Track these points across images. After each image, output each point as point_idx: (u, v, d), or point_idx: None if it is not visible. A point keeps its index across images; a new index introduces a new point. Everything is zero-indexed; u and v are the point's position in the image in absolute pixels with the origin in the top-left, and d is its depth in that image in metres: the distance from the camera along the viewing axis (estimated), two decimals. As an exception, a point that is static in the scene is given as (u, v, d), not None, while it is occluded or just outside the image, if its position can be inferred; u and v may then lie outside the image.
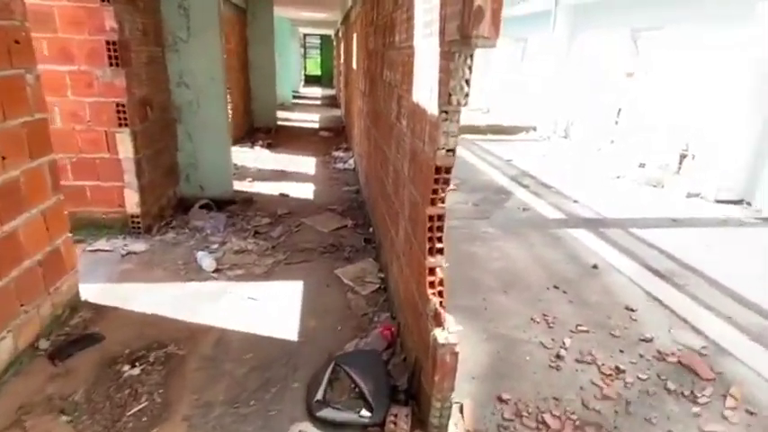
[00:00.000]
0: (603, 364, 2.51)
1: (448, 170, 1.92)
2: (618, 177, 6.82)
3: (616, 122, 8.55)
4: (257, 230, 4.07)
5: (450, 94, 1.70)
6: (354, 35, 6.87)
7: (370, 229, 4.20)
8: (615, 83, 8.57)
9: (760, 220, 5.11)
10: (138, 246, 3.64)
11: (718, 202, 5.63)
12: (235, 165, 6.42)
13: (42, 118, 2.48)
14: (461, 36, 1.51)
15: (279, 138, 9.02)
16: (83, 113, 3.56)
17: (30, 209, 2.39)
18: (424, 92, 2.06)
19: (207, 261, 3.31)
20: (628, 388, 2.34)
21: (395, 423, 1.95)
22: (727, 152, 5.65)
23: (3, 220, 2.18)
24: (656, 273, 3.68)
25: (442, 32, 1.75)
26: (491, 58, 14.21)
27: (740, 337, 2.85)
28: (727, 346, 2.75)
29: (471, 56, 1.63)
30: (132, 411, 2.01)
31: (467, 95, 1.71)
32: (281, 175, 6.22)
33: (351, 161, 6.95)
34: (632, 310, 3.09)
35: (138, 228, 3.83)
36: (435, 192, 1.96)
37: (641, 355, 2.61)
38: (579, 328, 2.85)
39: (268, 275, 3.31)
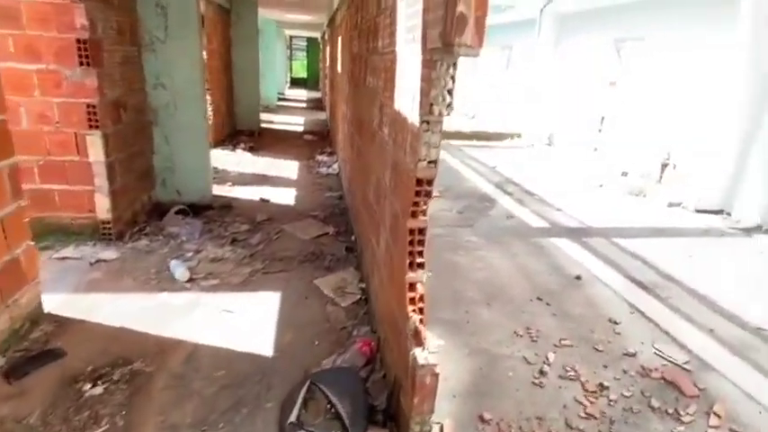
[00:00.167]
0: (587, 381, 2.45)
1: (430, 182, 1.84)
2: (601, 186, 6.85)
3: (599, 131, 8.64)
4: (235, 238, 3.94)
5: (431, 104, 1.63)
6: (339, 38, 6.79)
7: (353, 237, 4.10)
8: (598, 91, 8.66)
9: (739, 231, 5.16)
10: (109, 253, 3.48)
11: (699, 211, 5.69)
12: (215, 168, 6.28)
13: (1, 119, 2.33)
14: (443, 44, 1.43)
15: (262, 141, 8.87)
16: (51, 114, 3.40)
17: (-15, 216, 2.24)
18: (406, 100, 1.99)
19: (180, 270, 3.18)
20: (612, 406, 2.29)
21: (372, 447, 1.86)
22: (707, 162, 5.71)
23: (-47, 229, 2.04)
24: (639, 284, 3.66)
25: (424, 39, 1.68)
26: (477, 64, 14.28)
27: (722, 351, 2.83)
28: (710, 360, 2.72)
29: (454, 64, 1.56)
30: (91, 436, 1.88)
31: (449, 106, 1.64)
32: (262, 180, 6.08)
33: (335, 166, 6.85)
34: (616, 323, 3.06)
35: (110, 234, 3.68)
36: (416, 204, 1.88)
37: (625, 371, 2.56)
38: (563, 342, 2.79)
39: (244, 286, 3.19)
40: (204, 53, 7.11)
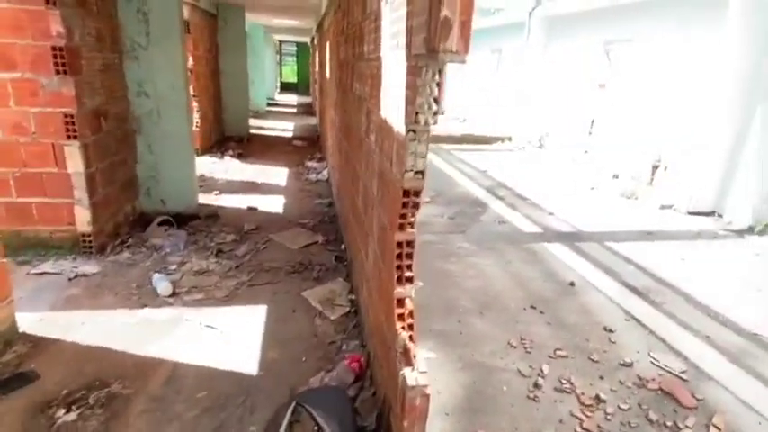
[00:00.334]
0: (583, 393, 2.38)
1: (417, 193, 1.76)
2: (592, 189, 6.83)
3: (590, 133, 8.63)
4: (221, 248, 3.84)
5: (417, 113, 1.55)
6: (328, 44, 6.72)
7: (342, 246, 4.02)
8: (588, 94, 8.67)
9: (731, 233, 5.14)
10: (89, 267, 3.36)
11: (691, 213, 5.67)
12: (202, 176, 6.18)
13: (-32, 132, 2.22)
14: (428, 50, 1.36)
15: (251, 147, 8.76)
16: (27, 125, 3.28)
17: (-49, 234, 2.12)
18: (392, 108, 1.91)
19: (162, 284, 3.07)
20: (608, 419, 2.22)
21: (360, 472, 1.77)
22: (698, 164, 5.70)
23: None
24: (633, 290, 3.61)
25: (409, 45, 1.60)
26: (467, 68, 14.28)
27: (719, 359, 2.77)
28: (708, 368, 2.67)
29: (440, 71, 1.49)
30: (62, 467, 1.77)
31: (435, 114, 1.57)
32: (250, 187, 5.97)
33: (324, 172, 6.76)
34: (611, 332, 3.00)
35: (90, 247, 3.56)
36: (404, 216, 1.80)
37: (621, 382, 2.50)
38: (557, 352, 2.72)
39: (229, 299, 3.09)
40: (190, 59, 7.05)
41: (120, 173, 4.04)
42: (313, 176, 6.68)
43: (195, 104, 7.34)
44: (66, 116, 3.29)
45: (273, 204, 5.27)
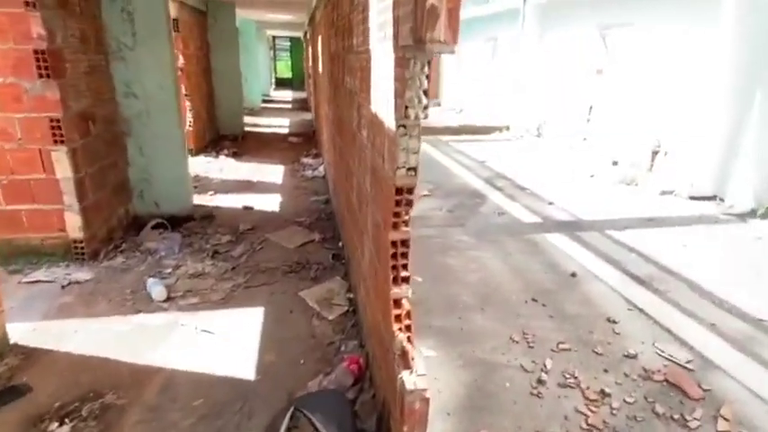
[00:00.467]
0: (588, 388, 2.33)
1: (410, 191, 1.70)
2: (592, 176, 6.75)
3: (588, 120, 8.54)
4: (216, 250, 3.78)
5: (406, 107, 1.48)
6: (319, 37, 6.62)
7: (340, 244, 3.96)
8: (586, 80, 8.56)
9: (733, 216, 5.08)
10: (82, 274, 3.31)
11: (692, 198, 5.61)
12: (197, 176, 6.11)
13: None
14: (415, 40, 1.29)
15: (246, 145, 8.68)
16: (12, 131, 3.21)
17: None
18: (382, 102, 1.84)
19: (157, 289, 3.01)
20: (614, 414, 2.17)
21: (361, 479, 1.72)
22: (698, 148, 5.63)
23: None
24: (636, 278, 3.55)
25: (396, 36, 1.53)
26: (462, 57, 14.14)
27: (725, 347, 2.72)
28: (714, 357, 2.62)
29: (429, 62, 1.42)
30: (55, 483, 1.73)
31: (426, 108, 1.50)
32: (245, 186, 5.91)
33: (321, 168, 6.69)
34: (614, 322, 2.94)
35: (83, 253, 3.50)
36: (398, 215, 1.74)
37: (626, 375, 2.45)
38: (560, 346, 2.67)
39: (225, 302, 3.03)
40: (181, 58, 6.95)
41: (111, 176, 3.97)
42: (309, 173, 6.61)
43: (188, 104, 7.26)
44: (51, 121, 3.22)
45: (269, 203, 5.21)
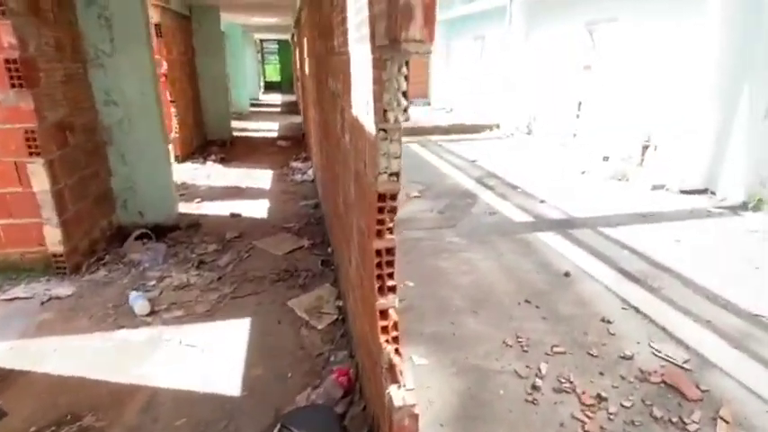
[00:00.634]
0: (584, 392, 2.28)
1: (393, 197, 1.62)
2: (583, 173, 6.72)
3: (577, 116, 8.52)
4: (202, 260, 3.69)
5: (385, 110, 1.42)
6: (305, 39, 6.53)
7: (329, 249, 3.88)
8: (574, 76, 8.54)
9: (725, 209, 5.06)
10: (63, 289, 3.21)
11: (683, 192, 5.59)
12: (184, 184, 6.01)
13: None
14: (390, 40, 1.22)
15: (234, 151, 8.57)
16: (-14, 143, 3.11)
17: None
18: (361, 105, 1.77)
19: (139, 303, 2.92)
20: (611, 420, 2.11)
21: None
22: (688, 142, 5.61)
23: None
24: (630, 276, 3.51)
25: (373, 36, 1.46)
26: (451, 57, 14.12)
27: (722, 345, 2.68)
28: (710, 356, 2.57)
29: (407, 63, 1.35)
30: None
31: (406, 110, 1.43)
32: (233, 193, 5.81)
33: (310, 172, 6.60)
34: (609, 322, 2.89)
35: (64, 268, 3.40)
36: (381, 222, 1.66)
37: (623, 377, 2.39)
38: (555, 349, 2.62)
39: (211, 314, 2.95)
40: (165, 64, 6.83)
41: (93, 187, 3.87)
42: (298, 177, 6.52)
43: (173, 110, 7.15)
44: (26, 132, 3.12)
45: (257, 209, 5.12)
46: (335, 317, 2.89)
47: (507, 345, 2.67)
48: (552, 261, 3.79)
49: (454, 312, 3.03)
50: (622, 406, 2.19)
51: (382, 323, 1.72)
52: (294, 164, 7.25)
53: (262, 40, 23.31)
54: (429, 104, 14.90)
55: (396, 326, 1.73)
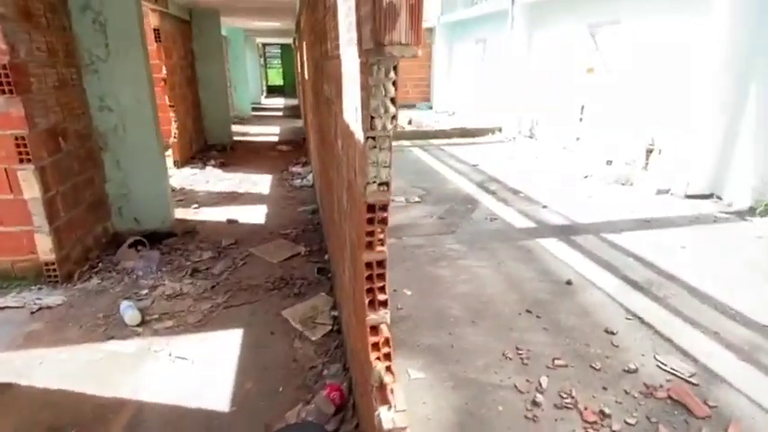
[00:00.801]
0: (586, 408, 2.19)
1: (384, 207, 1.55)
2: (586, 177, 6.63)
3: (580, 119, 8.42)
4: (196, 268, 3.62)
5: (372, 117, 1.34)
6: (304, 44, 6.49)
7: (326, 256, 3.81)
8: (577, 79, 8.45)
9: (731, 215, 4.95)
10: (54, 298, 3.15)
11: (689, 197, 5.48)
12: (182, 189, 5.96)
13: None
14: (375, 43, 1.15)
15: (234, 155, 8.53)
16: (-25, 150, 3.06)
17: None
18: (351, 111, 1.70)
19: (129, 313, 2.85)
20: (615, 438, 2.02)
21: None
22: (693, 145, 5.50)
23: None
24: (634, 284, 3.41)
25: (360, 39, 1.39)
26: (453, 60, 14.06)
27: (730, 358, 2.58)
28: (718, 369, 2.47)
29: (395, 68, 1.28)
30: None
31: (394, 118, 1.35)
32: (231, 198, 5.75)
33: (309, 177, 6.54)
34: (612, 333, 2.80)
35: (55, 276, 3.34)
36: (371, 234, 1.58)
37: (627, 392, 2.30)
38: (556, 362, 2.53)
39: (203, 325, 2.88)
40: (163, 68, 6.80)
41: (87, 193, 3.82)
42: (297, 182, 6.46)
43: (172, 115, 7.11)
44: (17, 138, 3.07)
45: (255, 215, 5.05)
46: (330, 327, 2.81)
47: (507, 357, 2.58)
48: (554, 269, 3.70)
49: (452, 323, 2.95)
50: (626, 423, 2.10)
51: (373, 339, 1.64)
52: (294, 168, 7.19)
53: (264, 45, 23.37)
54: (431, 108, 14.84)
55: (387, 342, 1.64)
